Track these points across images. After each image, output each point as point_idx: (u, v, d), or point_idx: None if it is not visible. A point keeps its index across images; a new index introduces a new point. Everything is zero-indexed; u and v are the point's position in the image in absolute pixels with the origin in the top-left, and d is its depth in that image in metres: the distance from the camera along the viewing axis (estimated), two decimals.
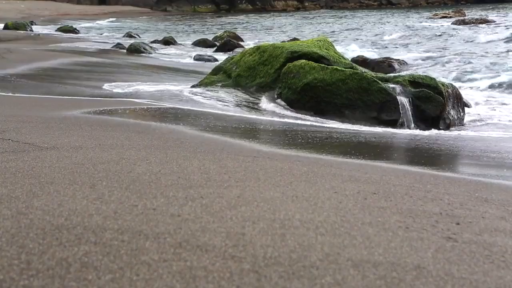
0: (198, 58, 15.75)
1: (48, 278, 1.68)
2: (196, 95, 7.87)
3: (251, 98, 7.72)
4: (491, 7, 48.32)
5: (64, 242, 1.94)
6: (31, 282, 1.65)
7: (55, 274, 1.71)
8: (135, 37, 24.31)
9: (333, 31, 27.80)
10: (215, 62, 14.04)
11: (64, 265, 1.77)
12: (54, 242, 1.94)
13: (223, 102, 7.42)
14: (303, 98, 7.26)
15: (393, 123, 6.97)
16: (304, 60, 7.55)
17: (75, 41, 20.30)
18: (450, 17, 31.17)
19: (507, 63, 13.51)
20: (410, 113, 7.10)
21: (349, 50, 17.44)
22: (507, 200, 3.02)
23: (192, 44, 21.98)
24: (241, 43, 20.93)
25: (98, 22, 41.82)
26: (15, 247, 1.88)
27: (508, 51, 16.15)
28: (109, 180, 2.77)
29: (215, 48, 19.63)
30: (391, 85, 7.27)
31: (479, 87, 11.12)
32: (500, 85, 11.00)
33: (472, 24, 26.16)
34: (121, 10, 58.37)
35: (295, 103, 7.28)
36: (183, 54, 17.88)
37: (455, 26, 26.16)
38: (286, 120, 6.64)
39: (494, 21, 27.53)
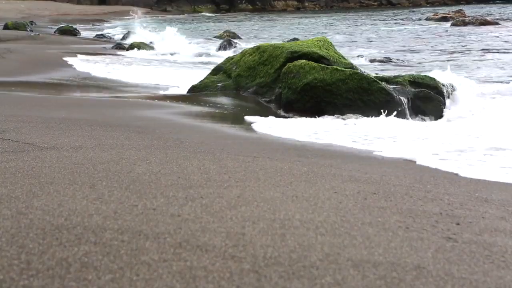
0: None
1: (48, 278, 1.68)
2: (196, 95, 7.87)
3: (249, 98, 7.72)
4: (493, 7, 48.06)
5: (64, 242, 1.94)
6: (31, 282, 1.65)
7: (55, 274, 1.71)
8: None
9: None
10: (215, 62, 14.02)
11: (64, 265, 1.77)
12: (54, 242, 1.94)
13: (222, 103, 7.42)
14: (303, 98, 7.25)
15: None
16: (304, 60, 7.54)
17: (76, 42, 20.27)
18: (450, 17, 31.14)
19: None
20: (410, 113, 7.09)
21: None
22: (507, 200, 3.03)
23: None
24: (241, 43, 20.91)
25: (98, 22, 41.87)
26: (15, 247, 1.88)
27: None
28: (109, 180, 2.77)
29: (215, 48, 19.62)
30: (391, 85, 7.27)
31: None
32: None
33: (473, 26, 26.05)
34: (121, 10, 58.29)
35: (295, 103, 7.28)
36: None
37: (453, 28, 26.07)
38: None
39: (498, 23, 26.96)
